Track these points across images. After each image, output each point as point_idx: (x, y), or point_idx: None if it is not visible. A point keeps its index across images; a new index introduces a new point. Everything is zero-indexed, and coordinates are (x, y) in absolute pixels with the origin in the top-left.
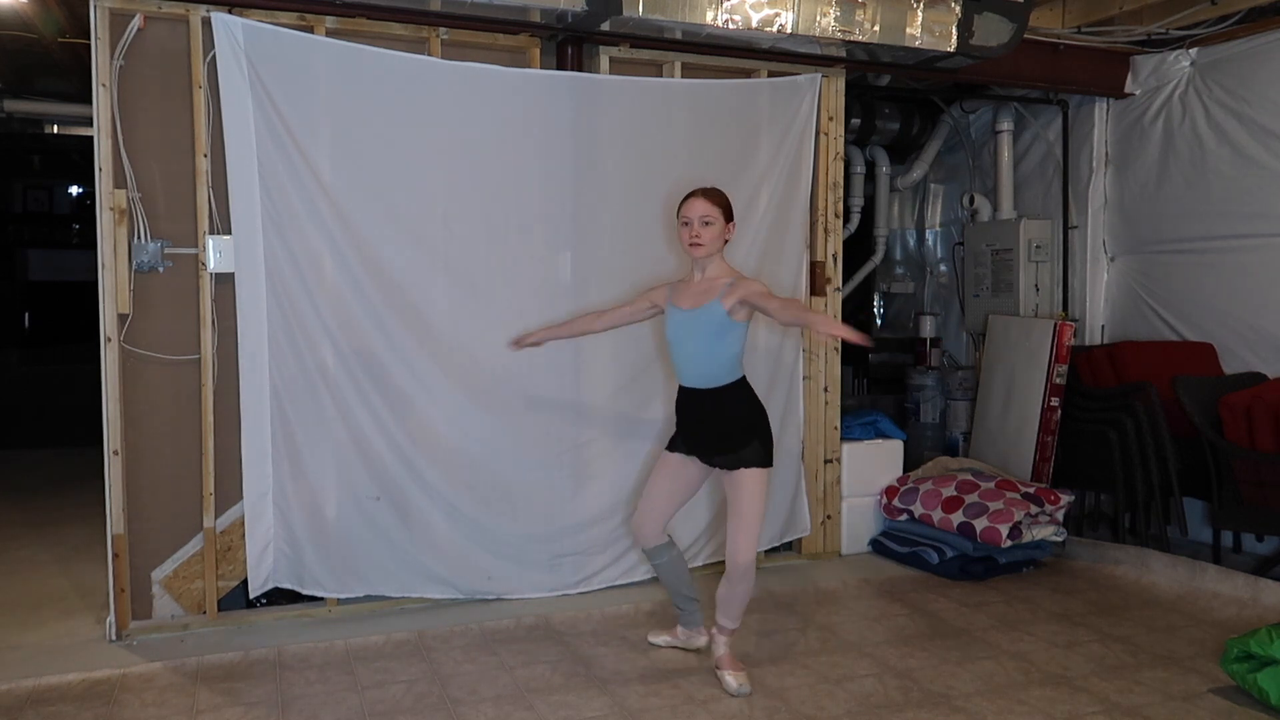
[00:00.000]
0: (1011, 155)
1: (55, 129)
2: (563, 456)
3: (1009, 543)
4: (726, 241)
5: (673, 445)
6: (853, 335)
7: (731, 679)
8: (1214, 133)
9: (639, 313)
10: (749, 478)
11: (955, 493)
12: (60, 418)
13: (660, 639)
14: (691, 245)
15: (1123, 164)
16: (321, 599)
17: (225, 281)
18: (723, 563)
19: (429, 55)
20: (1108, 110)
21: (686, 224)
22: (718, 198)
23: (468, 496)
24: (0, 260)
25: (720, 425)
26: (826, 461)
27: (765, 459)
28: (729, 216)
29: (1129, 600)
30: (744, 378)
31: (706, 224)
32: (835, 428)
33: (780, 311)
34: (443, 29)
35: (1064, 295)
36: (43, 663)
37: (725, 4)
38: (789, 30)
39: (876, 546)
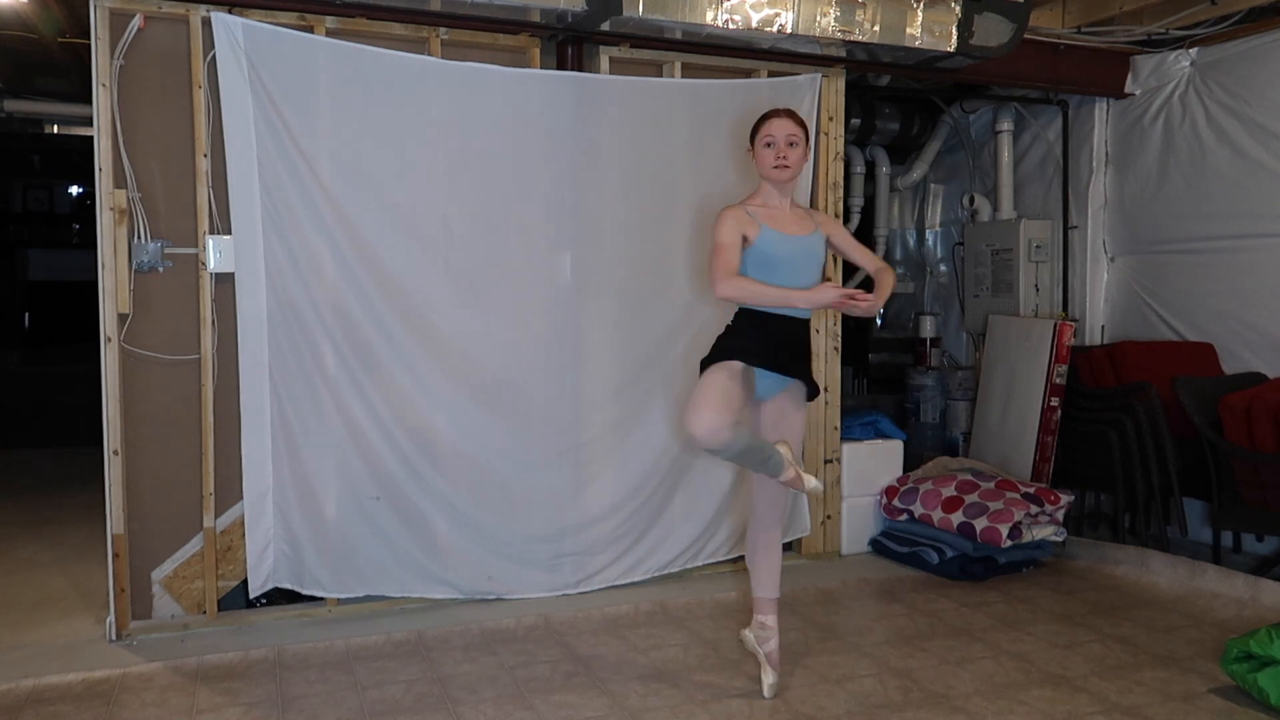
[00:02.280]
0: (1011, 155)
1: (55, 129)
2: (563, 456)
3: (1009, 543)
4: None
5: (744, 358)
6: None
7: (768, 675)
8: (1214, 133)
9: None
10: (803, 401)
11: (955, 493)
12: (60, 418)
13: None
14: (777, 168)
15: (1123, 164)
16: (321, 599)
17: (225, 281)
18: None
19: (429, 55)
20: (1108, 110)
21: (771, 145)
22: (799, 119)
23: (468, 496)
24: (0, 260)
25: (805, 351)
26: (826, 461)
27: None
28: (808, 139)
29: (1129, 600)
30: None
31: (792, 144)
32: (835, 428)
33: (864, 257)
34: (443, 29)
35: (1064, 295)
36: (43, 663)
37: (725, 4)
38: (789, 30)
39: (876, 546)
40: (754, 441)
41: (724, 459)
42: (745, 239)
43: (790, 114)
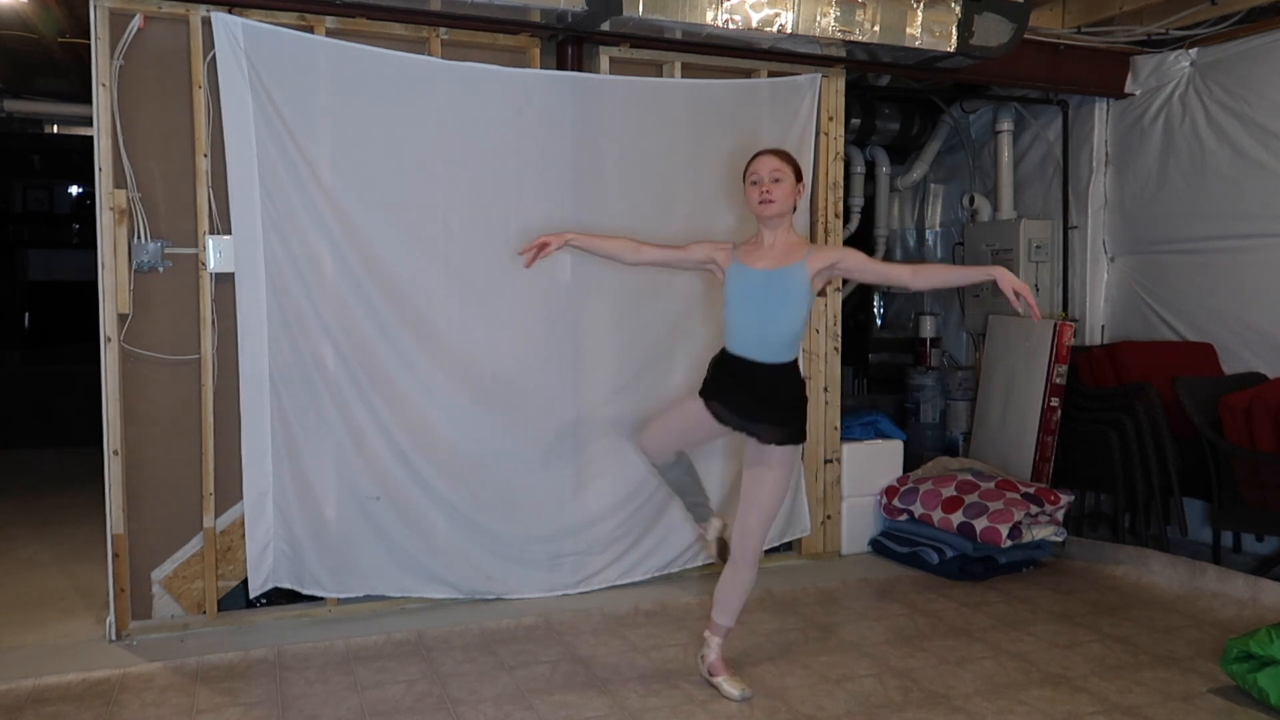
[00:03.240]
0: (1011, 155)
1: (55, 129)
2: (563, 456)
3: (1009, 543)
4: (795, 208)
5: (706, 394)
6: (1025, 293)
7: (731, 687)
8: (1214, 133)
9: (688, 261)
10: (780, 454)
11: (955, 493)
12: (60, 418)
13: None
14: (762, 203)
15: (1123, 164)
16: (321, 599)
17: (225, 281)
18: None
19: (429, 55)
20: (1108, 110)
21: (756, 182)
22: (786, 156)
23: (468, 496)
24: (0, 260)
25: (771, 399)
26: (826, 461)
27: (801, 435)
28: (799, 177)
29: (1129, 600)
30: (799, 358)
31: (776, 180)
32: (835, 428)
33: (890, 271)
34: (443, 29)
35: (1064, 295)
36: (43, 663)
37: (725, 4)
38: (789, 30)
39: (876, 546)
40: (684, 481)
41: (663, 478)
42: (717, 267)
43: (776, 151)
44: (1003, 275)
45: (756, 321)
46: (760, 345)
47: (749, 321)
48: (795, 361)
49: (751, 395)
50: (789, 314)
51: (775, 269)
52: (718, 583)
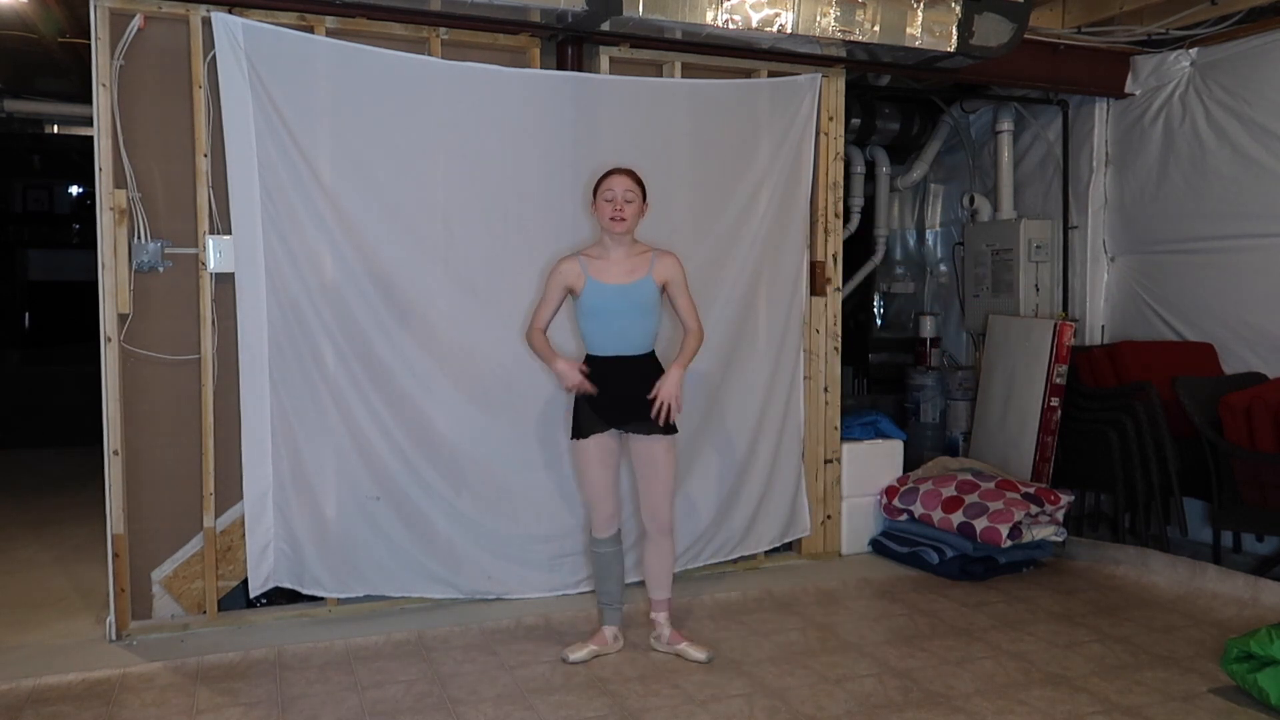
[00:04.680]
0: (1011, 155)
1: (55, 129)
2: (563, 456)
3: (1009, 543)
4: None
5: (582, 431)
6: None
7: (696, 651)
8: (1214, 133)
9: (559, 303)
10: (664, 442)
11: (955, 493)
12: (60, 418)
13: (582, 652)
14: (613, 219)
15: (1123, 164)
16: (321, 599)
17: (225, 281)
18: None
19: (429, 55)
20: (1108, 110)
21: (610, 199)
22: (637, 177)
23: (468, 496)
24: (0, 260)
25: (644, 392)
26: (826, 461)
27: (674, 427)
28: (645, 197)
29: (1129, 600)
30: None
31: (629, 201)
32: (835, 428)
33: (686, 315)
34: (443, 29)
35: (1064, 295)
36: (43, 663)
37: (725, 4)
38: (789, 30)
39: (876, 546)
40: (613, 570)
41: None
42: (573, 291)
43: (629, 173)
44: (670, 381)
45: (622, 327)
46: (627, 344)
47: (613, 328)
48: (654, 352)
49: (626, 391)
50: (648, 319)
51: (629, 283)
52: (646, 561)
